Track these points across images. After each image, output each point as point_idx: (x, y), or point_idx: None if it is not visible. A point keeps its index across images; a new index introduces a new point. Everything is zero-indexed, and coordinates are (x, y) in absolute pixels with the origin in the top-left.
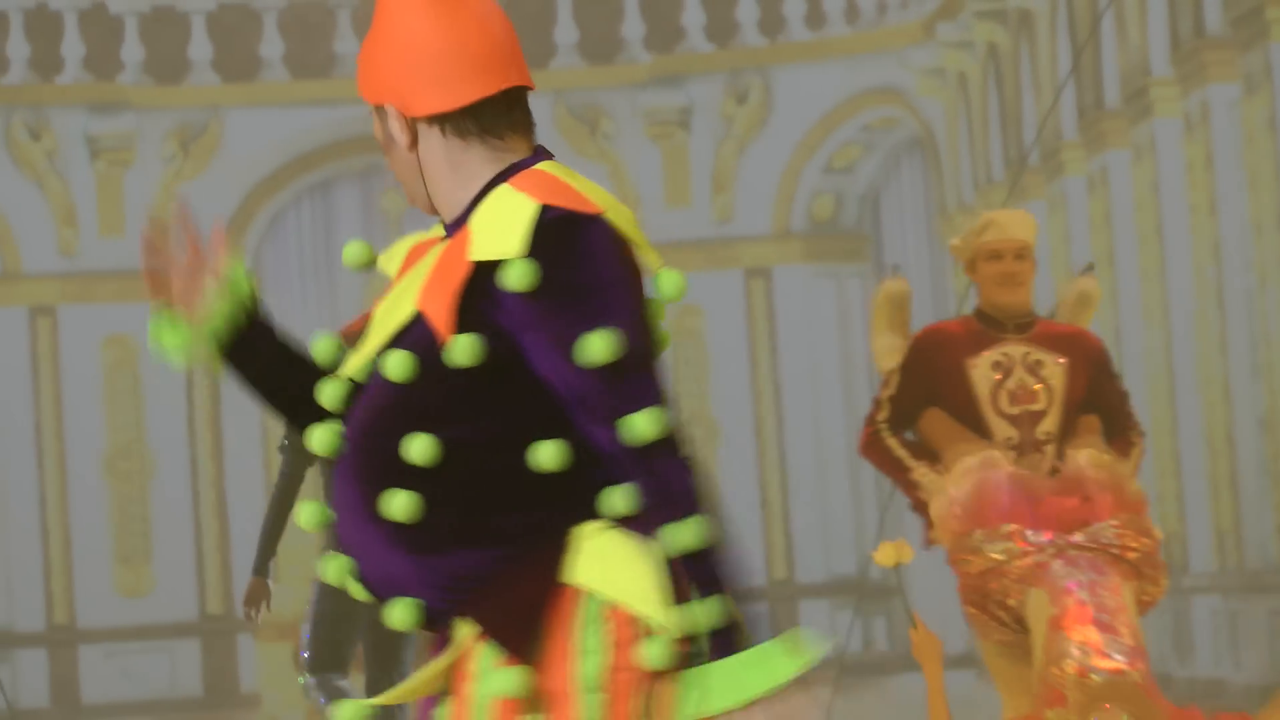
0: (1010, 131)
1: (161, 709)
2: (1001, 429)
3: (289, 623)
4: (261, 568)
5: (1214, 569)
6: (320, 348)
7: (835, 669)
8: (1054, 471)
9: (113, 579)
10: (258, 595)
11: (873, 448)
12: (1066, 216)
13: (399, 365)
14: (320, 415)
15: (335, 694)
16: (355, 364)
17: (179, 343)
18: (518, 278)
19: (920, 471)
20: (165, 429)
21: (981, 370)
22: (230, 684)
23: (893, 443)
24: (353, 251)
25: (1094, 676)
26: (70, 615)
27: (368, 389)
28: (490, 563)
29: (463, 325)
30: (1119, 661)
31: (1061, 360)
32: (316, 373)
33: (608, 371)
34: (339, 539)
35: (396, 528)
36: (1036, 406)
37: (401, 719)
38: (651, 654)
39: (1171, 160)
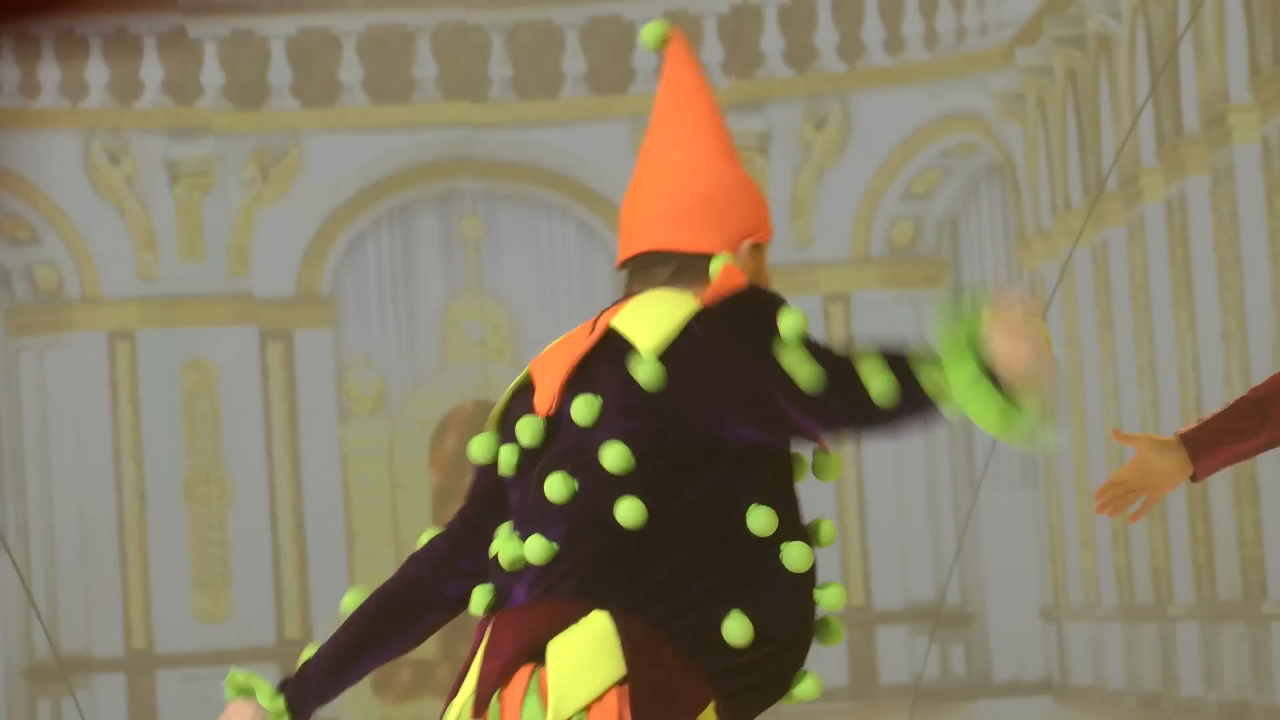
0: (1089, 157)
1: None
2: None
3: None
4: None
5: None
6: (525, 426)
7: (912, 696)
8: None
9: (191, 604)
10: None
11: None
12: (1145, 242)
13: None
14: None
15: None
16: None
17: None
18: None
19: None
20: (244, 454)
21: None
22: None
23: None
24: None
25: None
26: (148, 640)
27: None
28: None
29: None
30: None
31: None
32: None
33: None
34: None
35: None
36: None
37: None
38: None
39: (1250, 186)
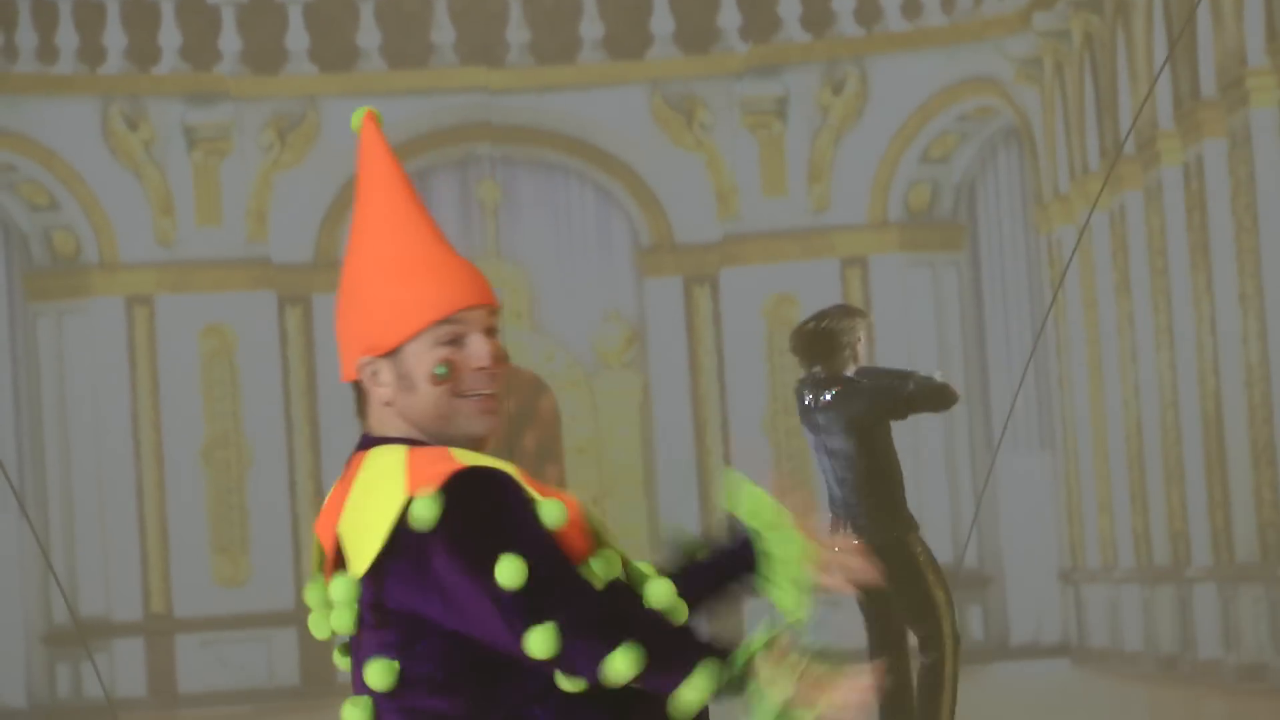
0: (1106, 121)
1: (258, 697)
2: None
3: None
4: None
5: None
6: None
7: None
8: None
9: (210, 568)
10: None
11: None
12: (1163, 206)
13: None
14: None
15: None
16: None
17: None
18: None
19: None
20: (262, 419)
21: None
22: (328, 673)
23: None
24: None
25: None
26: (167, 604)
27: None
28: None
29: None
30: None
31: None
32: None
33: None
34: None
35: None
36: None
37: None
38: None
39: (1267, 150)
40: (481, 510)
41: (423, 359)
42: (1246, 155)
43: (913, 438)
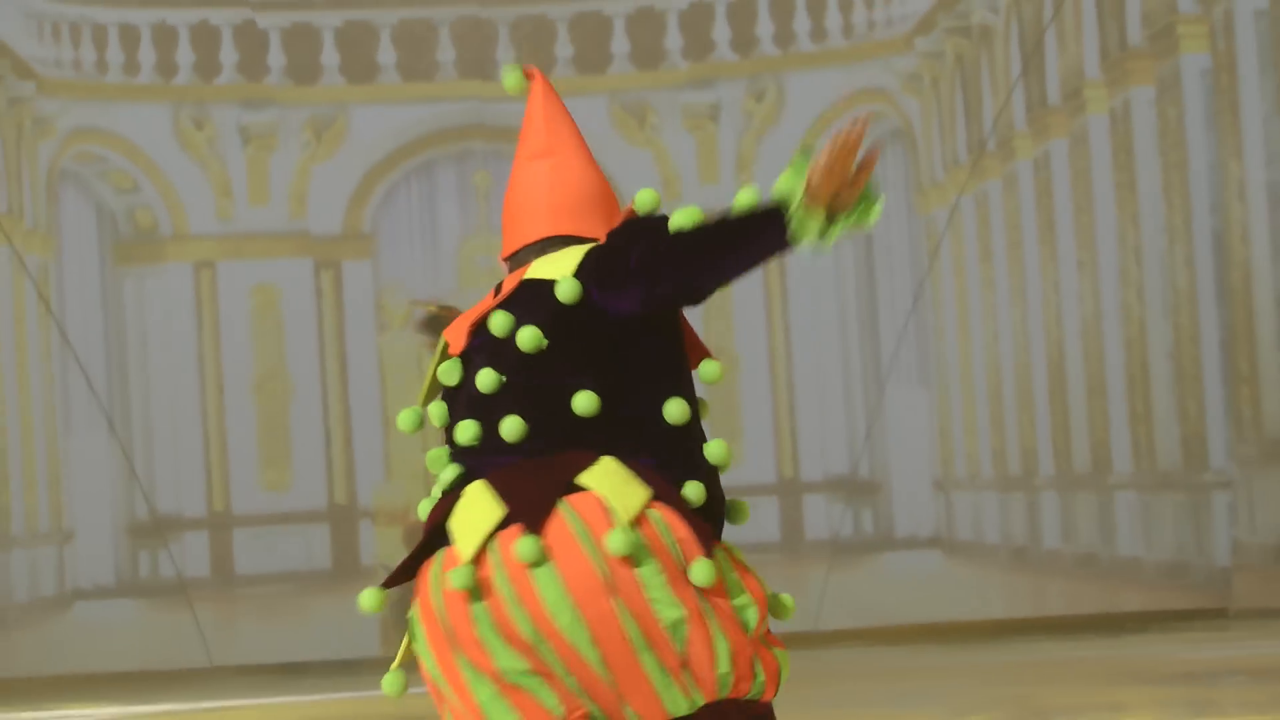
0: (972, 124)
1: (298, 578)
2: None
3: (400, 510)
4: None
5: (1132, 470)
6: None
7: (830, 550)
8: None
9: (259, 477)
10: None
11: None
12: (1018, 192)
13: None
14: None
15: None
16: None
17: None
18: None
19: None
20: (301, 359)
21: None
22: (353, 559)
23: None
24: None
25: None
26: (226, 504)
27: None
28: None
29: None
30: None
31: None
32: None
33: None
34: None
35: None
36: None
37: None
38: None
39: (1100, 148)
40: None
41: None
42: (1085, 152)
43: (817, 375)
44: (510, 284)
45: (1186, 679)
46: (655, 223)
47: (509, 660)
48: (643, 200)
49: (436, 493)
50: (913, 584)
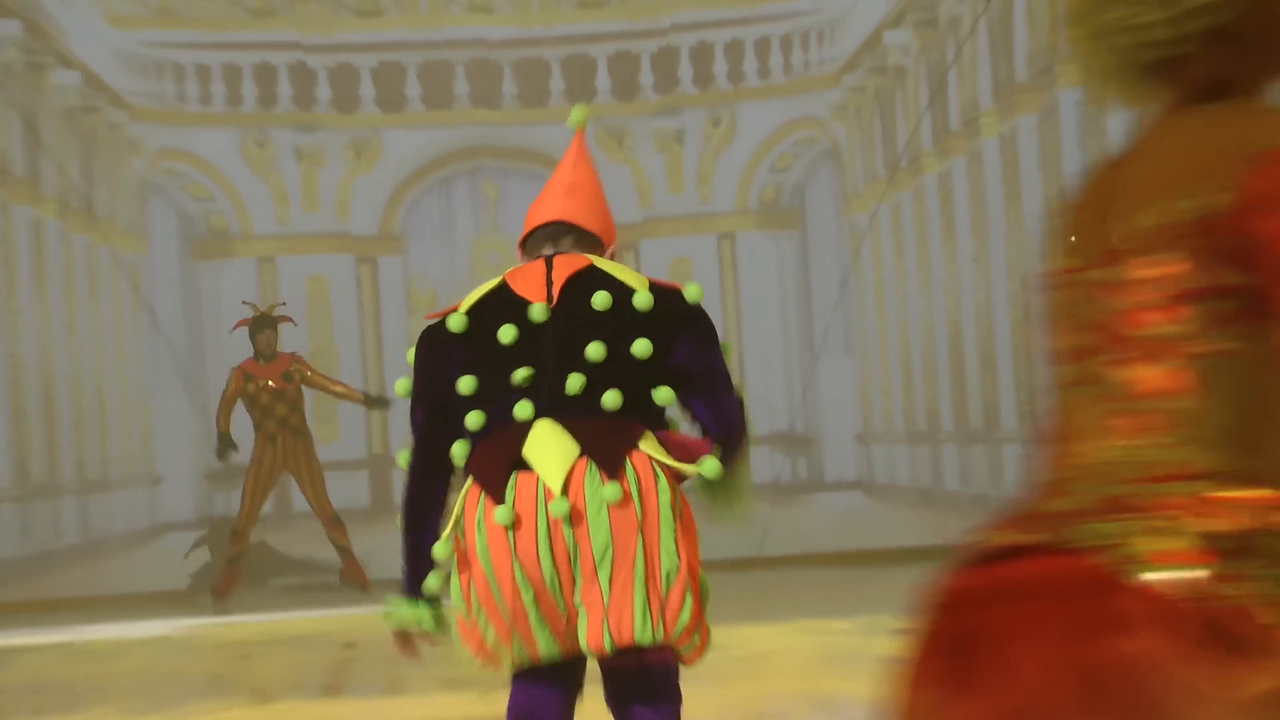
0: (889, 146)
1: (346, 515)
2: None
3: None
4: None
5: (1017, 426)
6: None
7: (773, 491)
8: None
9: (315, 432)
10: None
11: None
12: (925, 201)
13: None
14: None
15: None
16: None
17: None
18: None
19: None
20: (345, 336)
21: None
22: (387, 499)
23: None
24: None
25: None
26: None
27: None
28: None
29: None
30: None
31: None
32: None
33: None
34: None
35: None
36: None
37: None
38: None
39: (993, 166)
40: None
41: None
42: (979, 169)
43: (763, 349)
44: (568, 265)
45: None
46: (741, 409)
47: (549, 571)
48: (693, 292)
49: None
50: (839, 519)
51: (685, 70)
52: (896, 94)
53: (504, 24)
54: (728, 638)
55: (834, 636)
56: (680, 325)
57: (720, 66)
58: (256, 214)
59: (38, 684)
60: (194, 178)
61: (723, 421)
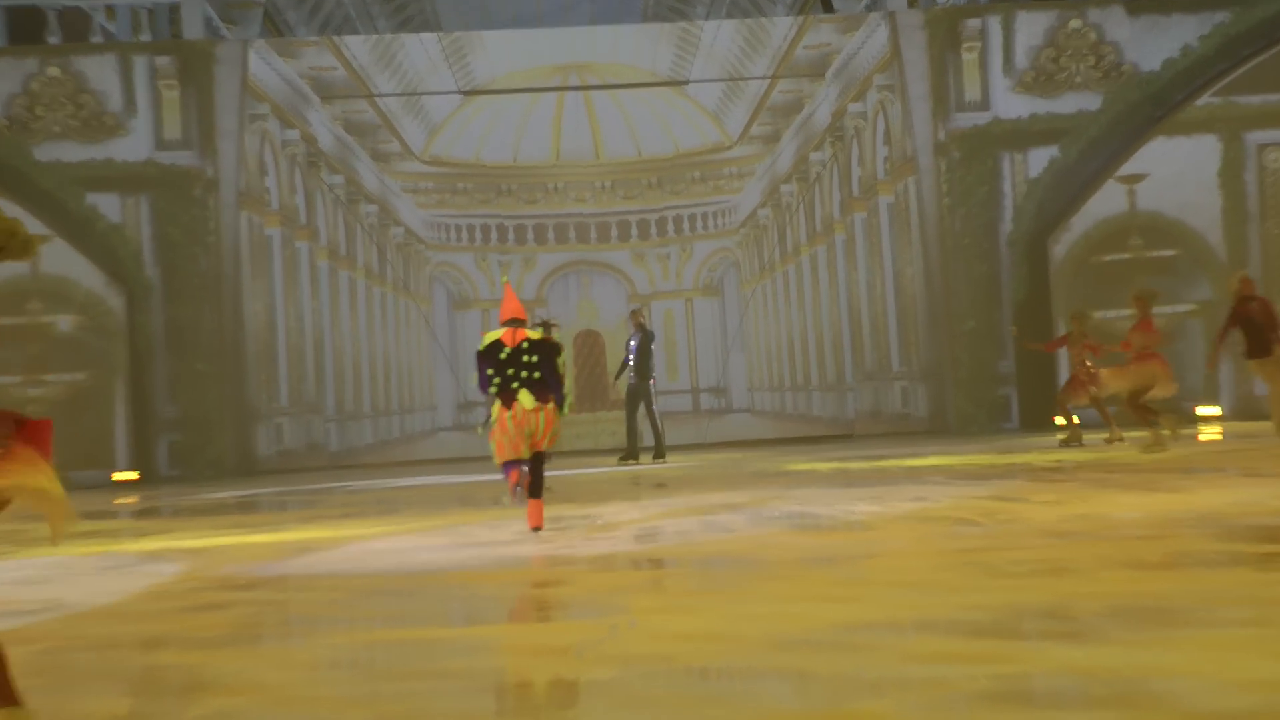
0: (762, 256)
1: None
2: None
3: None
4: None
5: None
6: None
7: (710, 414)
8: None
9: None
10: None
11: None
12: (777, 285)
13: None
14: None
15: None
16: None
17: None
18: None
19: None
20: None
21: None
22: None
23: None
24: None
25: None
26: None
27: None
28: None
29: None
30: None
31: None
32: None
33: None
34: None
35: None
36: None
37: None
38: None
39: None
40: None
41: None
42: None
43: (706, 349)
44: (522, 334)
45: (834, 442)
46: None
47: (524, 428)
48: (549, 337)
49: (497, 389)
50: (738, 426)
51: (670, 226)
52: (763, 237)
53: (588, 206)
54: (687, 488)
55: (733, 478)
56: (546, 352)
57: (685, 225)
58: (482, 291)
59: (384, 499)
60: (454, 274)
61: (557, 386)
